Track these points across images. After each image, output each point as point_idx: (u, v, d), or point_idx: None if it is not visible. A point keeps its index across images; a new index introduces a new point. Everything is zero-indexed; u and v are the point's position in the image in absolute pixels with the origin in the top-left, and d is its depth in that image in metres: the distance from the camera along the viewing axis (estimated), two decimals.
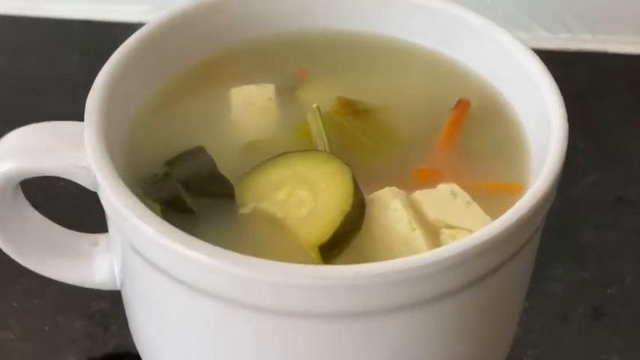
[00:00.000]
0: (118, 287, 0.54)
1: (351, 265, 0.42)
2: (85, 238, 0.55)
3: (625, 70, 0.78)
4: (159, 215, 0.47)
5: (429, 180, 0.49)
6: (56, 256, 0.55)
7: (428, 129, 0.52)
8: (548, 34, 0.79)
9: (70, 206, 0.63)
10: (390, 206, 0.47)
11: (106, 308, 0.60)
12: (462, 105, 0.52)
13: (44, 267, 0.55)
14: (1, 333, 0.59)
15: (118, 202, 0.45)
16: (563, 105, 0.50)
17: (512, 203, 0.47)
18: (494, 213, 0.47)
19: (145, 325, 0.52)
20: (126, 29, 0.79)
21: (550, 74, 0.51)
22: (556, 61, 0.76)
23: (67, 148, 0.50)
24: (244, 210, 0.48)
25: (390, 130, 0.52)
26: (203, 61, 0.55)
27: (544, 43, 0.79)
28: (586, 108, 0.74)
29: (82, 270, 0.55)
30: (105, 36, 0.79)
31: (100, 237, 0.55)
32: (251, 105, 0.53)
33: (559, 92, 0.50)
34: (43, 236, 0.55)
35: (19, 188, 0.53)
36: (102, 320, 0.60)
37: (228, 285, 0.43)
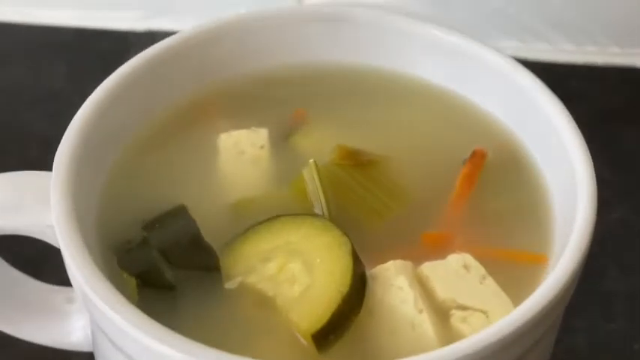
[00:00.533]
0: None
1: None
2: (60, 293, 0.51)
3: None
4: (134, 291, 0.42)
5: (439, 246, 0.44)
6: (29, 315, 0.50)
7: (438, 184, 0.47)
8: (572, 47, 0.73)
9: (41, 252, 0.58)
10: (395, 284, 0.42)
11: None
12: (478, 157, 0.47)
13: (15, 327, 0.50)
14: None
15: (86, 285, 0.40)
16: (591, 163, 0.44)
17: (534, 277, 0.43)
18: (513, 289, 0.43)
19: None
20: (118, 38, 0.74)
21: (576, 127, 0.45)
22: (580, 76, 0.72)
23: (35, 206, 0.45)
24: (230, 285, 0.43)
25: (395, 186, 0.46)
26: (188, 102, 0.50)
27: (568, 57, 0.73)
28: (612, 131, 0.69)
29: (57, 330, 0.50)
30: (96, 45, 0.74)
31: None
32: (241, 154, 0.47)
33: (586, 148, 0.45)
34: (14, 294, 0.50)
35: None
36: None
37: None
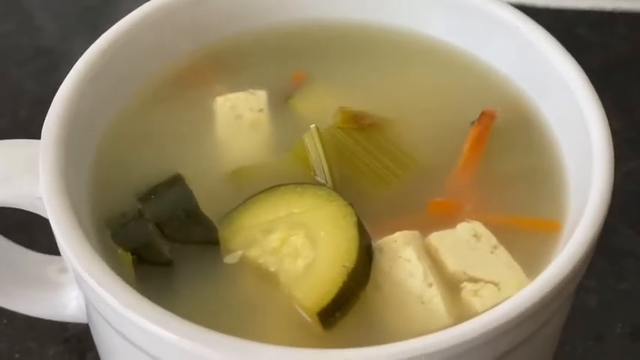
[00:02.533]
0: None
1: (347, 352, 0.35)
2: (52, 264, 0.49)
3: None
4: (130, 267, 0.40)
5: (448, 214, 0.42)
6: (22, 288, 0.49)
7: (446, 148, 0.45)
8: None
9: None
10: (402, 256, 0.40)
11: (82, 331, 0.54)
12: (487, 118, 0.45)
13: (8, 300, 0.49)
14: None
15: (76, 262, 0.38)
16: (607, 124, 0.43)
17: (548, 246, 0.42)
18: (525, 259, 0.41)
19: None
20: None
21: (592, 86, 0.43)
22: (589, 22, 0.70)
23: (24, 177, 0.43)
24: (230, 259, 0.41)
25: (401, 151, 0.44)
26: (182, 64, 0.48)
27: (576, 3, 0.71)
28: (622, 80, 0.67)
29: (50, 302, 0.49)
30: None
31: None
32: (239, 119, 0.45)
33: (601, 107, 0.43)
34: (7, 265, 0.49)
35: None
36: (78, 346, 0.54)
37: None
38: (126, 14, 0.63)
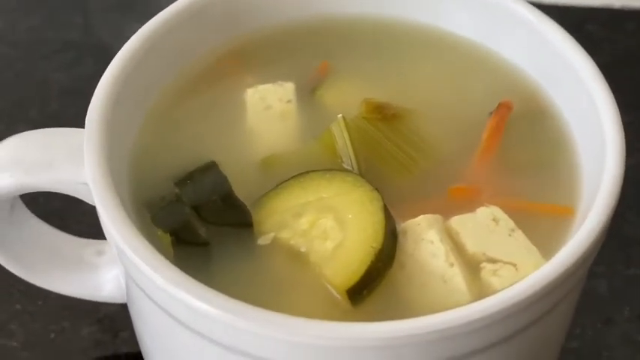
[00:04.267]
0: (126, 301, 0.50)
1: (375, 325, 0.38)
2: (89, 246, 0.52)
3: None
4: (169, 247, 0.43)
5: (468, 199, 0.45)
6: (60, 268, 0.51)
7: (465, 137, 0.47)
8: None
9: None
10: (426, 238, 0.42)
11: (116, 312, 0.56)
12: (503, 109, 0.47)
13: (47, 281, 0.52)
14: (3, 341, 0.55)
15: (123, 242, 0.41)
16: (619, 115, 0.45)
17: (562, 230, 0.44)
18: (541, 242, 0.43)
19: (151, 348, 0.48)
20: None
21: (603, 78, 0.46)
22: (599, 20, 0.72)
23: (66, 163, 0.45)
24: (263, 240, 0.43)
25: (422, 140, 0.47)
26: (215, 56, 0.50)
27: (585, 0, 0.73)
28: (631, 75, 0.69)
29: (88, 283, 0.51)
30: None
31: (105, 245, 0.51)
32: (268, 109, 0.48)
33: (613, 98, 0.45)
34: (45, 246, 0.51)
35: (18, 199, 0.49)
36: (111, 325, 0.56)
37: (242, 339, 0.39)
38: (147, 7, 0.65)
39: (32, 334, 0.56)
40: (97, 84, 0.67)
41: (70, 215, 0.58)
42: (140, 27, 0.71)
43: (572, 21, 0.72)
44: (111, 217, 0.42)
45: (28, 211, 0.50)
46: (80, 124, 0.64)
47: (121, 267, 0.46)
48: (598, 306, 0.57)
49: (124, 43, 0.71)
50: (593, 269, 0.57)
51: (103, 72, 0.68)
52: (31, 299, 0.57)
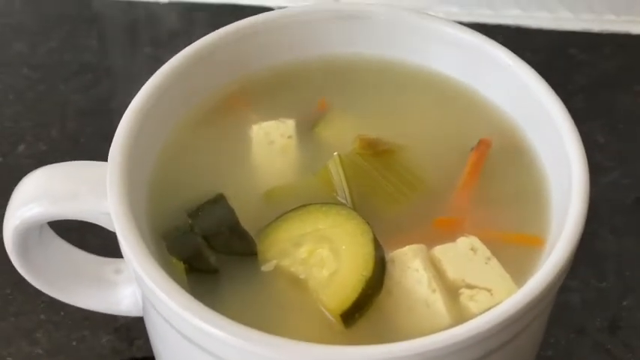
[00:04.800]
0: (142, 315, 0.55)
1: (369, 348, 0.43)
2: (108, 265, 0.56)
3: None
4: (182, 274, 0.48)
5: (450, 230, 0.49)
6: (80, 285, 0.56)
7: (449, 171, 0.52)
8: (571, 15, 0.78)
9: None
10: (411, 266, 0.47)
11: (132, 321, 0.61)
12: (483, 146, 0.52)
13: (70, 297, 0.56)
14: (29, 348, 0.60)
15: (142, 271, 0.46)
16: (584, 154, 0.49)
17: (533, 258, 0.49)
18: (514, 269, 0.48)
19: (161, 355, 0.53)
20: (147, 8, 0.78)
21: (571, 120, 0.50)
22: (578, 42, 0.77)
23: (90, 195, 0.50)
24: (266, 268, 0.48)
25: (410, 173, 0.51)
26: (222, 95, 0.55)
27: (567, 24, 0.77)
28: (607, 96, 0.73)
29: (106, 298, 0.56)
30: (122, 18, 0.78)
31: (123, 264, 0.56)
32: (271, 144, 0.53)
33: (580, 139, 0.50)
34: (68, 265, 0.56)
35: (46, 224, 0.54)
36: (127, 334, 0.61)
37: (248, 358, 0.44)
38: (154, 31, 0.69)
39: (56, 342, 0.60)
40: (111, 105, 0.73)
41: (88, 230, 0.63)
42: (151, 51, 0.77)
43: (556, 44, 0.78)
44: (130, 245, 0.47)
45: (54, 233, 0.55)
46: (96, 142, 0.70)
47: (137, 286, 0.51)
48: (571, 317, 0.61)
49: (135, 66, 0.77)
50: (567, 283, 0.62)
51: (116, 93, 0.74)
52: (54, 310, 0.61)
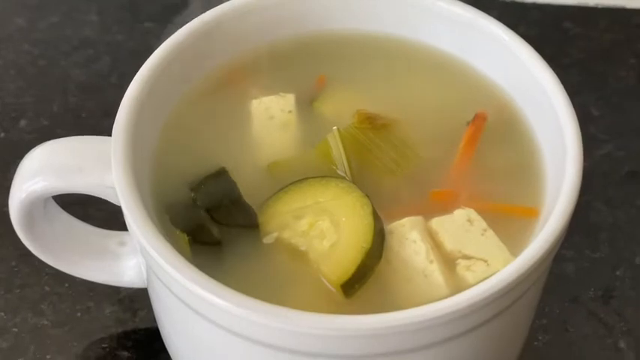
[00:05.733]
0: (146, 286, 0.56)
1: (368, 317, 0.44)
2: (112, 238, 0.57)
3: None
4: (186, 246, 0.49)
5: (447, 202, 0.51)
6: (85, 257, 0.57)
7: (445, 145, 0.53)
8: None
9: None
10: (409, 237, 0.49)
11: (134, 293, 0.62)
12: (479, 120, 0.53)
13: (75, 269, 0.57)
14: (35, 319, 0.62)
15: (147, 243, 0.47)
16: (578, 127, 0.50)
17: (528, 229, 0.50)
18: (509, 239, 0.49)
19: (168, 329, 0.54)
20: None
21: (565, 92, 0.51)
22: (573, 16, 0.78)
23: (95, 169, 0.51)
24: (268, 239, 0.49)
25: (407, 147, 0.52)
26: (223, 70, 0.56)
27: None
28: (601, 69, 0.74)
29: (110, 270, 0.57)
30: None
31: (126, 236, 0.57)
32: (271, 119, 0.54)
33: (574, 113, 0.51)
34: (73, 238, 0.57)
35: (50, 198, 0.55)
36: (130, 305, 0.62)
37: (250, 327, 0.45)
38: (160, 7, 0.70)
39: (61, 313, 0.61)
40: (111, 80, 0.73)
41: (90, 204, 0.64)
42: (150, 26, 0.77)
43: (551, 18, 0.78)
44: (135, 218, 0.48)
45: (59, 208, 0.56)
46: (97, 117, 0.70)
47: (141, 257, 0.52)
48: (565, 286, 0.62)
49: (135, 41, 0.77)
50: (562, 253, 0.64)
51: (116, 68, 0.74)
52: (59, 282, 0.62)
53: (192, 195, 0.50)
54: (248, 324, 0.45)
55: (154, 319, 0.58)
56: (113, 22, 0.77)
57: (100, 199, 0.52)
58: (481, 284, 0.45)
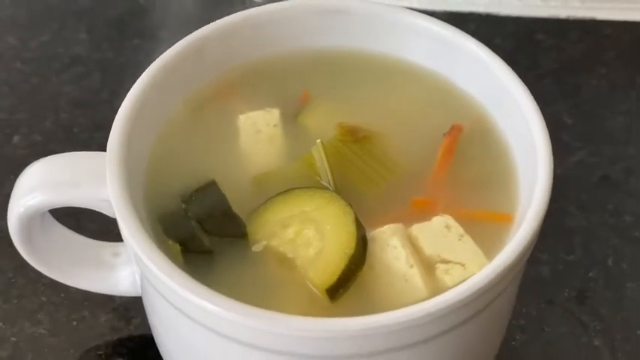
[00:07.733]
0: (140, 294, 0.59)
1: (352, 320, 0.46)
2: (106, 249, 0.59)
3: (614, 37, 0.80)
4: (178, 255, 0.51)
5: (426, 210, 0.53)
6: (81, 268, 0.59)
7: (424, 155, 0.55)
8: (539, 2, 0.81)
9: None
10: (390, 244, 0.51)
11: (128, 301, 0.64)
12: (455, 131, 0.56)
13: (71, 279, 0.59)
14: (32, 329, 0.64)
15: (141, 253, 0.49)
16: (548, 135, 0.53)
17: (502, 234, 0.52)
18: (485, 244, 0.52)
19: (162, 336, 0.56)
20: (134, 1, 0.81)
21: (536, 105, 0.54)
22: (547, 29, 0.80)
23: (90, 184, 0.53)
24: (256, 248, 0.52)
25: (387, 158, 0.55)
26: (212, 87, 0.58)
27: (535, 11, 0.81)
28: (573, 79, 0.77)
29: (105, 280, 0.59)
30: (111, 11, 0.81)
31: (121, 247, 0.59)
32: (258, 133, 0.56)
33: (544, 122, 0.53)
34: (68, 249, 0.59)
35: (47, 212, 0.57)
36: (125, 313, 0.64)
37: (240, 331, 0.48)
38: (148, 24, 0.72)
39: (57, 322, 0.63)
40: (102, 96, 0.76)
41: (84, 216, 0.66)
42: (139, 42, 0.80)
43: (525, 30, 0.81)
44: (130, 229, 0.50)
45: (55, 221, 0.58)
46: (89, 132, 0.73)
47: (135, 267, 0.55)
48: (542, 288, 0.65)
49: (124, 58, 0.79)
50: (538, 256, 0.66)
51: (107, 84, 0.77)
52: (55, 292, 0.64)
53: (184, 206, 0.53)
54: (238, 327, 0.47)
55: (148, 327, 0.59)
56: (103, 39, 0.79)
57: (94, 211, 0.55)
58: (458, 286, 0.48)
